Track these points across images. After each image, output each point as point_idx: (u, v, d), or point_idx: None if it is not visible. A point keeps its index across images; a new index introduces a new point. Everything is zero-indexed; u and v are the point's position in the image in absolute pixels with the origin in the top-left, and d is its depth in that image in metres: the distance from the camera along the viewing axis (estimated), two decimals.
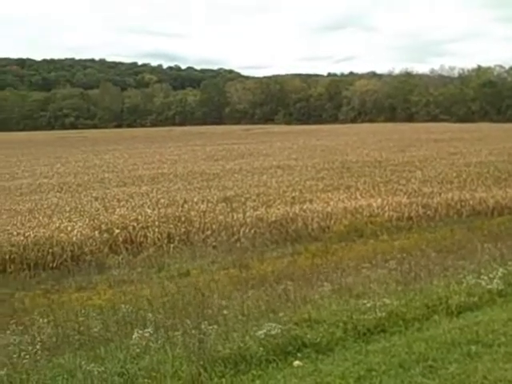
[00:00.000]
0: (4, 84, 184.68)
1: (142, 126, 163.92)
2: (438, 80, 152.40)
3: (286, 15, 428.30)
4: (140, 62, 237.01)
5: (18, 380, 5.00)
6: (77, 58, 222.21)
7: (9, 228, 24.81)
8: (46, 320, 8.00)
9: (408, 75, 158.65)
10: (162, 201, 29.48)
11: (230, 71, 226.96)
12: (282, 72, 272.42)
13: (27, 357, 5.74)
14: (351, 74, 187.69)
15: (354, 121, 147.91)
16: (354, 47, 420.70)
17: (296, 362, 5.97)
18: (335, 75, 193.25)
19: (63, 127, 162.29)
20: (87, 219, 25.93)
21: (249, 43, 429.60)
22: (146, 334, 6.29)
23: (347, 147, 62.14)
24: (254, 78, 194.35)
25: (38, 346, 6.31)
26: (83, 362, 5.49)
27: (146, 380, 5.12)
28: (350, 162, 45.79)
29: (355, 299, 8.00)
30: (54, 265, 22.82)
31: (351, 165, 43.40)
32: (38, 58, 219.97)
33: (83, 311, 9.55)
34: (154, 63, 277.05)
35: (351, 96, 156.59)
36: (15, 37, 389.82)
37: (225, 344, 5.86)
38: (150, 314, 7.96)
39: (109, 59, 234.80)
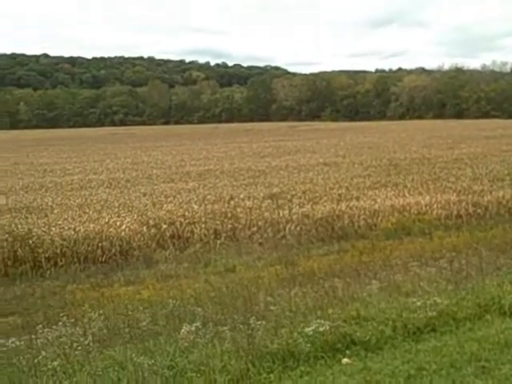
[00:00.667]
0: (56, 82, 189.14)
1: (189, 122, 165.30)
2: (490, 75, 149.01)
3: (334, 11, 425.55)
4: (188, 60, 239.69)
5: (71, 370, 5.10)
6: (126, 55, 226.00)
7: (60, 222, 25.37)
8: (96, 313, 8.14)
9: (458, 71, 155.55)
10: (209, 197, 29.66)
11: (277, 68, 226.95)
12: (329, 69, 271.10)
13: (79, 348, 5.85)
14: (400, 69, 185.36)
15: (402, 117, 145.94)
16: (402, 43, 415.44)
17: (344, 360, 5.92)
18: (383, 71, 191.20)
19: (112, 124, 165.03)
20: (135, 214, 26.30)
21: (296, 40, 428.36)
22: (194, 329, 6.33)
23: (395, 144, 61.35)
24: (300, 74, 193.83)
25: (89, 338, 6.43)
26: (133, 355, 5.57)
27: (195, 374, 5.15)
28: (398, 159, 45.19)
29: (404, 297, 7.89)
30: (103, 259, 23.24)
31: (399, 162, 42.83)
32: (89, 56, 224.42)
33: (132, 305, 9.69)
34: (202, 60, 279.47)
35: (399, 92, 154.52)
36: (67, 36, 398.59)
37: (273, 340, 5.85)
38: (198, 309, 8.02)
39: (157, 57, 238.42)
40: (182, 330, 6.37)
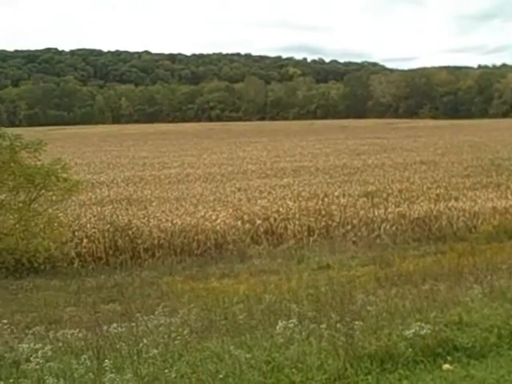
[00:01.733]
0: (156, 78, 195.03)
1: (285, 119, 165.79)
2: None
3: (433, 5, 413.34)
4: (284, 56, 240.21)
5: (171, 360, 5.22)
6: (224, 52, 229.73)
7: (158, 215, 26.14)
8: (193, 304, 8.30)
9: None
10: (303, 193, 29.61)
11: (374, 64, 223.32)
12: (428, 64, 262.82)
13: (178, 338, 5.98)
14: (504, 65, 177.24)
15: (505, 115, 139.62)
16: (506, 37, 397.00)
17: (446, 366, 5.72)
18: (486, 67, 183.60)
19: (209, 119, 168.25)
20: (230, 209, 26.66)
21: (394, 35, 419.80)
22: (290, 325, 6.32)
23: (497, 143, 58.80)
24: (398, 70, 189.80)
25: (186, 329, 6.56)
26: (231, 348, 5.62)
27: (292, 370, 5.13)
28: (501, 158, 43.29)
29: (510, 304, 7.52)
30: (199, 252, 23.74)
31: (502, 162, 41.01)
32: (188, 53, 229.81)
33: (228, 298, 9.82)
34: (299, 56, 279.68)
35: (503, 89, 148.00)
36: (168, 33, 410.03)
37: (371, 341, 5.74)
38: (293, 305, 8.01)
39: (254, 53, 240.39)
40: (278, 326, 6.37)
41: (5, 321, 7.19)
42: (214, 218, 25.14)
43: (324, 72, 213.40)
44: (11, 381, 4.62)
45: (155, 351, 5.21)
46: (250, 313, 7.91)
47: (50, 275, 21.43)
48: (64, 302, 16.35)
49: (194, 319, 7.52)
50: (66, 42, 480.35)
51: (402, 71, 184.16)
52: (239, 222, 24.60)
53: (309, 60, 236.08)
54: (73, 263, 23.11)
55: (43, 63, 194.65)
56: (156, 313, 7.93)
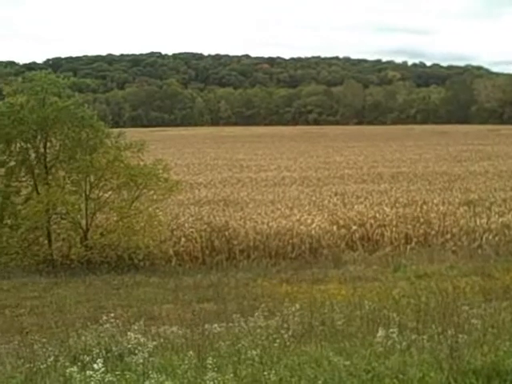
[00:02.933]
0: (255, 81, 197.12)
1: (383, 123, 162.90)
2: None
3: None
4: (384, 59, 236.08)
5: (270, 362, 5.25)
6: (322, 56, 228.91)
7: (254, 217, 26.40)
8: (290, 308, 8.30)
9: None
10: (401, 200, 28.99)
11: (479, 68, 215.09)
12: None
13: (277, 341, 6.01)
14: None
15: None
16: None
17: None
18: None
19: (306, 123, 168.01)
20: (326, 213, 26.52)
21: (499, 38, 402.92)
22: (391, 334, 6.19)
23: None
24: (504, 74, 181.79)
25: (284, 333, 6.58)
26: (330, 354, 5.58)
27: (393, 380, 5.01)
28: None
29: None
30: (293, 255, 23.76)
31: None
32: (287, 56, 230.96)
33: (324, 303, 9.77)
34: (398, 60, 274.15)
35: None
36: (267, 37, 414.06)
37: (476, 355, 5.51)
38: (393, 314, 7.83)
39: (353, 57, 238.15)
40: (378, 334, 6.26)
41: (112, 314, 7.49)
42: (309, 221, 25.08)
43: (425, 76, 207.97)
44: (117, 373, 4.80)
45: (254, 352, 5.25)
46: (348, 319, 7.82)
47: (149, 272, 22.12)
48: (162, 299, 16.83)
49: (291, 323, 7.52)
50: (169, 47, 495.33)
51: (509, 75, 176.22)
52: (334, 227, 24.42)
53: (409, 63, 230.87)
54: (171, 261, 23.75)
55: (147, 67, 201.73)
56: (256, 314, 7.99)
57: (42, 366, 5.69)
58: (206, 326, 6.80)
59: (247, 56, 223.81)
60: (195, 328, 6.98)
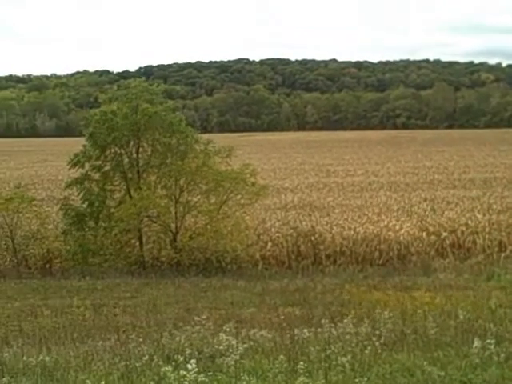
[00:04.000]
0: (342, 86, 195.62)
1: (475, 127, 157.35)
2: None
3: None
4: (476, 61, 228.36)
5: (360, 369, 5.20)
6: (411, 58, 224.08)
7: (341, 222, 26.22)
8: (380, 315, 8.17)
9: None
10: (494, 206, 27.97)
11: None
12: None
13: (368, 348, 5.94)
14: None
15: None
16: None
17: None
18: None
19: (394, 127, 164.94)
20: (414, 220, 25.97)
21: None
22: (488, 345, 5.97)
23: None
24: None
25: (376, 340, 6.48)
26: (424, 363, 5.46)
27: None
28: None
29: None
30: (380, 262, 23.41)
31: None
32: (375, 60, 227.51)
33: (415, 311, 9.56)
34: (492, 61, 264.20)
35: None
36: (355, 41, 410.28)
37: None
38: (490, 325, 7.54)
39: (444, 59, 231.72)
40: (474, 345, 6.05)
41: (204, 316, 7.65)
42: (397, 228, 24.65)
43: None
44: (209, 374, 4.90)
45: (344, 359, 5.22)
46: (441, 328, 7.60)
47: (236, 275, 22.39)
48: (249, 303, 16.97)
49: (383, 330, 7.40)
50: (257, 53, 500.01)
51: None
52: (424, 234, 23.88)
53: (504, 65, 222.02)
54: (257, 265, 23.96)
55: (235, 73, 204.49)
56: (345, 321, 7.93)
57: (137, 364, 5.90)
58: (296, 330, 6.81)
59: (334, 60, 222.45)
60: (284, 332, 7.01)
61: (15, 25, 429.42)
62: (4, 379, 5.16)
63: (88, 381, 4.81)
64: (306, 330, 7.22)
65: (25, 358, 6.67)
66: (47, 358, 6.72)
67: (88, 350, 7.44)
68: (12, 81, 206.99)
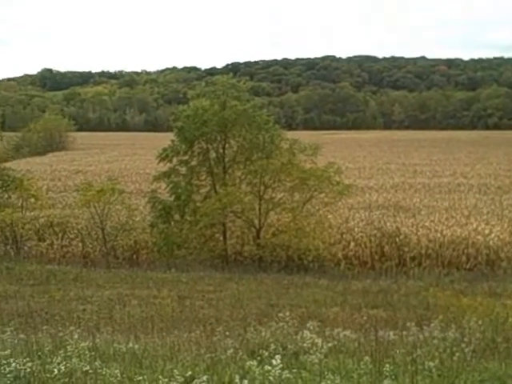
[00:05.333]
0: (430, 84, 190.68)
1: None
2: None
3: None
4: None
5: (447, 375, 5.07)
6: (505, 56, 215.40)
7: (427, 224, 25.62)
8: (471, 322, 7.92)
9: None
10: None
11: None
12: None
13: (456, 354, 5.78)
14: None
15: None
16: None
17: None
18: None
19: (486, 127, 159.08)
20: (506, 224, 25.04)
21: None
22: None
23: None
24: None
25: (465, 347, 6.30)
26: None
27: None
28: None
29: None
30: (468, 266, 22.74)
31: None
32: (466, 57, 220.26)
33: (510, 320, 9.19)
34: None
35: None
36: (445, 38, 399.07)
37: None
38: None
39: None
40: None
41: (287, 313, 7.70)
42: (486, 232, 23.85)
43: None
44: (294, 370, 4.93)
45: (431, 364, 5.12)
46: None
47: (318, 274, 22.37)
48: (330, 302, 16.90)
49: (472, 337, 7.17)
50: (344, 50, 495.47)
51: None
52: None
53: None
54: (339, 265, 23.82)
55: (321, 70, 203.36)
56: (431, 325, 7.76)
57: (222, 357, 6.02)
58: (380, 332, 6.73)
59: (423, 58, 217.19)
60: (368, 333, 6.95)
61: (109, 23, 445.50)
62: (96, 363, 5.39)
63: (175, 370, 4.95)
64: (391, 333, 7.13)
65: (115, 345, 6.93)
66: (136, 346, 6.97)
67: (174, 341, 7.65)
68: (105, 77, 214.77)
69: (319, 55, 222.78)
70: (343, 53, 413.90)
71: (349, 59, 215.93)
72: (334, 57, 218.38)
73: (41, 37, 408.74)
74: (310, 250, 23.36)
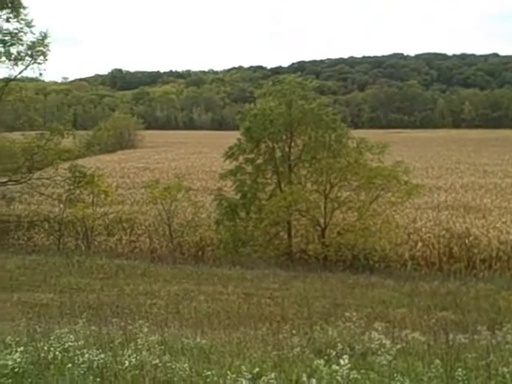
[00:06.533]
0: (503, 82, 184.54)
1: None
2: None
3: None
4: None
5: None
6: None
7: (498, 225, 24.88)
8: None
9: None
10: None
11: None
12: None
13: None
14: None
15: None
16: None
17: None
18: None
19: None
20: None
21: None
22: None
23: None
24: None
25: None
26: None
27: None
28: None
29: None
30: None
31: None
32: None
33: None
34: None
35: None
36: None
37: None
38: None
39: None
40: None
41: (354, 313, 7.63)
42: None
43: None
44: (362, 371, 4.88)
45: (505, 369, 4.96)
46: None
47: (384, 274, 22.07)
48: (397, 303, 16.65)
49: None
50: (412, 47, 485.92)
51: None
52: None
53: None
54: (406, 265, 23.46)
55: (388, 68, 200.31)
56: (504, 329, 7.52)
57: (289, 355, 6.02)
58: (450, 335, 6.57)
59: (495, 55, 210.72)
60: (437, 336, 6.80)
61: (177, 24, 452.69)
62: (165, 357, 5.49)
63: (243, 366, 4.97)
64: (461, 336, 6.95)
65: (183, 339, 7.04)
66: (203, 341, 7.05)
67: (240, 337, 7.71)
68: (172, 76, 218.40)
69: (386, 53, 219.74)
70: (411, 50, 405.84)
71: (417, 57, 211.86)
72: (401, 54, 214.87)
73: (111, 37, 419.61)
74: (376, 249, 23.11)
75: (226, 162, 26.86)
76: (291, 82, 26.45)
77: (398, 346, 5.92)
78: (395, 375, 4.88)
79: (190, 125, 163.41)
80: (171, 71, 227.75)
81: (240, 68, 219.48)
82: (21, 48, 27.75)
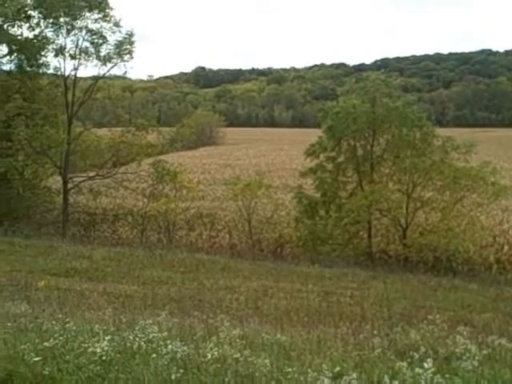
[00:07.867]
0: None
1: None
2: None
3: None
4: None
5: None
6: None
7: None
8: None
9: None
10: None
11: None
12: None
13: None
14: None
15: None
16: None
17: None
18: None
19: None
20: None
21: None
22: None
23: None
24: None
25: None
26: None
27: None
28: None
29: None
30: None
31: None
32: None
33: None
34: None
35: None
36: None
37: None
38: None
39: None
40: None
41: (438, 316, 7.45)
42: None
43: None
44: (446, 376, 4.75)
45: None
46: None
47: (467, 277, 21.45)
48: (481, 307, 16.12)
49: None
50: (502, 43, 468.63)
51: None
52: None
53: None
54: (491, 269, 22.73)
55: (476, 65, 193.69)
56: None
57: (370, 356, 5.94)
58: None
59: None
60: None
61: (257, 22, 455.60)
62: (246, 351, 5.55)
63: (324, 365, 4.95)
64: None
65: (263, 335, 7.08)
66: (283, 338, 7.07)
67: (320, 335, 7.68)
68: (254, 74, 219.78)
69: (474, 49, 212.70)
70: (500, 46, 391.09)
71: (507, 53, 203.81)
72: (490, 50, 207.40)
73: (196, 36, 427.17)
74: (460, 251, 22.50)
75: (307, 159, 26.82)
76: (375, 80, 26.14)
77: (484, 352, 5.72)
78: (482, 382, 4.73)
79: (271, 122, 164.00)
80: (253, 69, 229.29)
81: (322, 65, 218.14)
82: (109, 47, 28.77)
